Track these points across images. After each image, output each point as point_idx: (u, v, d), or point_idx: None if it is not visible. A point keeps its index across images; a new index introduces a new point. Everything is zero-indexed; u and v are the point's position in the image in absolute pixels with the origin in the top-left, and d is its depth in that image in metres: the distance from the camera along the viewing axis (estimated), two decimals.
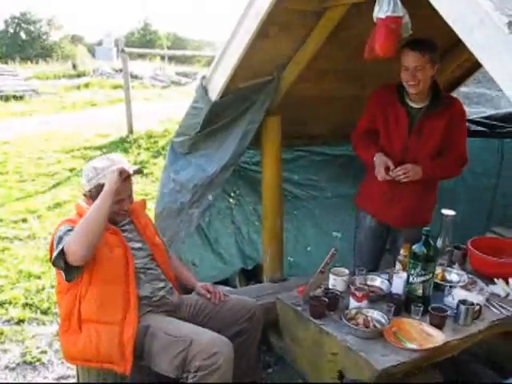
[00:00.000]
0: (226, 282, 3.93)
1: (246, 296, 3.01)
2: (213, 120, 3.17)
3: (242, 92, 3.10)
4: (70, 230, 2.29)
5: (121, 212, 2.54)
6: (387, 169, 2.94)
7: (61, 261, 2.24)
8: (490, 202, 4.24)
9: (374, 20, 2.40)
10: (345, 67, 2.90)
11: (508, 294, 2.72)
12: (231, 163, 3.24)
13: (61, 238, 2.28)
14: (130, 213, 2.64)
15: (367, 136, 3.10)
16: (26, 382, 3.05)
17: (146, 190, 6.91)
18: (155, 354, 2.32)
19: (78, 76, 16.16)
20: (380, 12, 2.35)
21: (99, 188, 2.38)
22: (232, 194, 3.94)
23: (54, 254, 2.25)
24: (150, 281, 2.54)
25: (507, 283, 2.80)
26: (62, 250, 2.21)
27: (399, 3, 2.35)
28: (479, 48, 1.66)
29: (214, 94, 3.07)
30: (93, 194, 2.44)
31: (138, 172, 2.70)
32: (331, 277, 2.78)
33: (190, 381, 2.24)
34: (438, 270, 2.81)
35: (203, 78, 3.14)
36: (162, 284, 2.59)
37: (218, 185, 3.30)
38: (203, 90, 3.11)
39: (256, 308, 2.74)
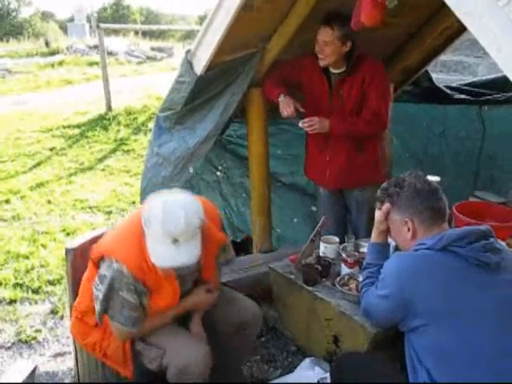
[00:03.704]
0: None
1: (238, 267, 3.07)
2: (198, 94, 3.16)
3: (228, 65, 3.09)
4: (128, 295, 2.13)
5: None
6: (296, 110, 3.10)
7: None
8: (475, 164, 4.35)
9: None
10: None
11: None
12: (212, 134, 3.22)
13: (110, 292, 2.12)
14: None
15: (280, 81, 3.22)
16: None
17: (128, 167, 6.90)
18: (136, 354, 2.30)
19: (52, 54, 15.81)
20: None
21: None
22: (219, 168, 3.96)
23: (98, 309, 2.19)
24: None
25: None
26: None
27: None
28: (469, 17, 1.68)
29: (199, 68, 3.04)
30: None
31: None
32: (322, 245, 2.84)
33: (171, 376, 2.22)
34: None
35: (188, 52, 3.11)
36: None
37: (199, 157, 3.29)
38: (188, 64, 3.08)
39: (253, 319, 2.49)
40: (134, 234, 2.15)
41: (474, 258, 1.83)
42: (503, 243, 2.92)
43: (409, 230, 2.04)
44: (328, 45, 2.99)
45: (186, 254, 2.02)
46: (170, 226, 1.97)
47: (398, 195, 2.08)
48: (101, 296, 2.16)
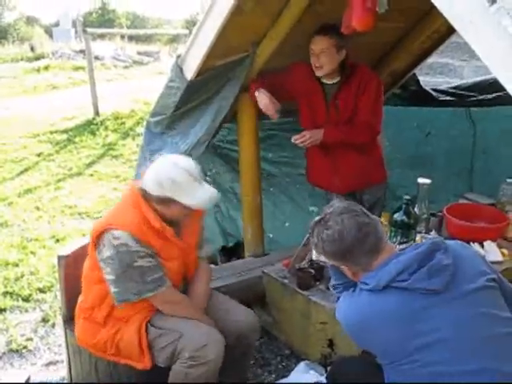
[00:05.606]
0: None
1: (231, 272, 3.05)
2: (189, 99, 3.16)
3: (218, 70, 3.09)
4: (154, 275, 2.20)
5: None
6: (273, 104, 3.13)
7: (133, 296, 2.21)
8: (469, 160, 4.44)
9: None
10: None
11: (483, 257, 2.82)
12: (204, 139, 3.22)
13: (141, 273, 2.16)
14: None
15: (264, 82, 3.21)
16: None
17: (117, 172, 6.87)
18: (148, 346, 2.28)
19: (37, 59, 15.66)
20: None
21: (165, 200, 2.20)
22: (208, 173, 3.93)
23: (115, 291, 2.19)
24: None
25: (482, 247, 2.92)
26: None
27: None
28: (460, 21, 1.69)
29: (190, 72, 3.04)
30: (155, 200, 2.23)
31: None
32: None
33: (179, 366, 2.21)
34: (417, 237, 2.90)
35: (178, 56, 3.11)
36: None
37: None
38: (178, 69, 3.08)
39: (250, 329, 2.48)
40: (128, 205, 2.28)
41: (420, 288, 1.73)
42: (493, 243, 2.96)
43: (349, 270, 1.93)
44: (324, 52, 2.96)
45: (210, 188, 2.30)
46: (192, 171, 2.23)
47: (322, 250, 1.92)
48: (113, 276, 2.18)
